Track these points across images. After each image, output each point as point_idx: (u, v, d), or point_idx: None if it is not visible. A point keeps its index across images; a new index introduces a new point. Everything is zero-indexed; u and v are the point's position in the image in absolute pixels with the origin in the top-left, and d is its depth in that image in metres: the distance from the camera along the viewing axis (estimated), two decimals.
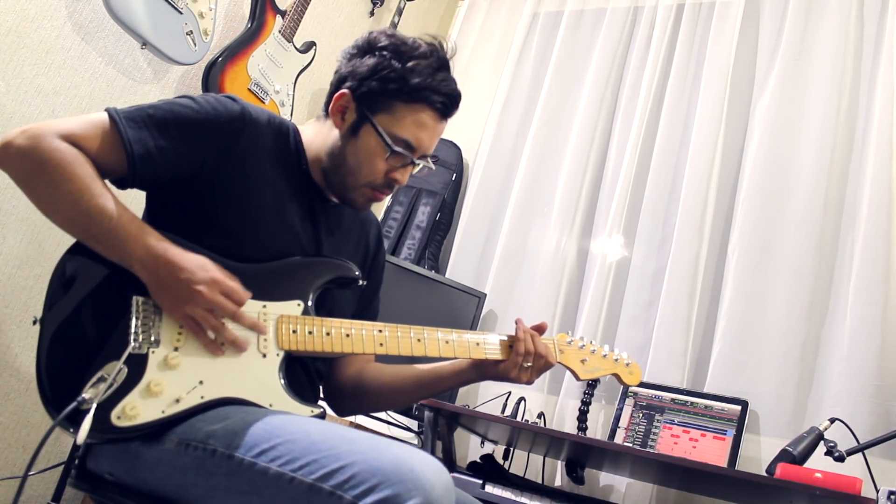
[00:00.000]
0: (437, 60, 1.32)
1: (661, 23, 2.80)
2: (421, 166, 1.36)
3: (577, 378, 1.47)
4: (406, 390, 1.45)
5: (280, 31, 2.40)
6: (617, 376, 1.50)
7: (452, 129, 3.10)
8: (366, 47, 1.34)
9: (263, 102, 2.35)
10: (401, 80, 1.29)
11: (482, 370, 1.41)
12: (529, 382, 1.41)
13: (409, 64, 1.29)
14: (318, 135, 1.37)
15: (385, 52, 1.31)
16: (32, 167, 1.13)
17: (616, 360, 1.49)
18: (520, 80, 3.06)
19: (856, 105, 2.38)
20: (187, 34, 2.12)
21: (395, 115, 1.30)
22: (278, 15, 2.40)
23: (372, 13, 3.01)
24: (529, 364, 1.38)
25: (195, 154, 1.23)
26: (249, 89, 2.31)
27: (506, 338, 1.41)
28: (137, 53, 2.13)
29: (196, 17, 2.14)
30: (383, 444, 1.01)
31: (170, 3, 2.06)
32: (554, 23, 3.09)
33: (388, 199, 3.00)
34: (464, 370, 1.42)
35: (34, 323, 1.13)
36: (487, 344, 1.39)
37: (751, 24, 2.65)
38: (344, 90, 1.32)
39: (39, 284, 1.93)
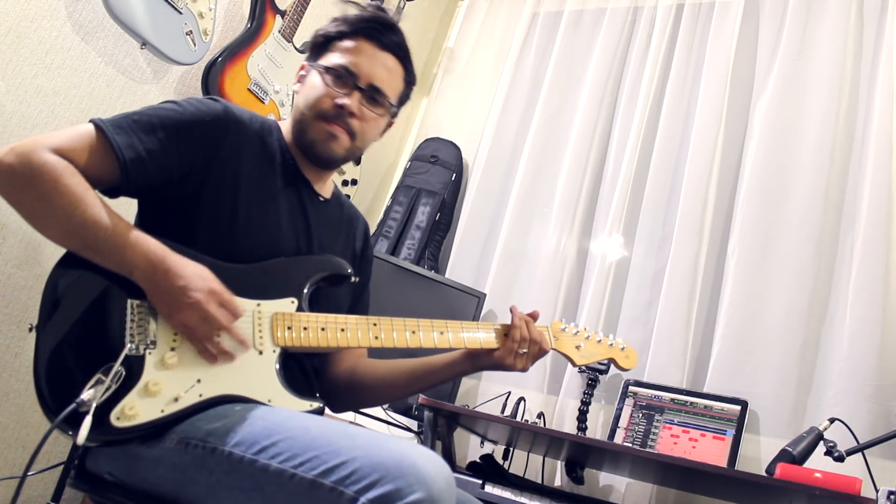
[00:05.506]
0: (370, 8, 1.47)
1: (660, 23, 2.80)
2: (383, 108, 1.40)
3: (573, 364, 1.50)
4: (400, 384, 1.46)
5: (280, 31, 2.40)
6: (613, 360, 1.53)
7: (452, 129, 3.13)
8: None
9: (263, 102, 2.35)
10: (334, 26, 1.42)
11: (477, 360, 1.43)
12: (524, 369, 1.43)
13: (345, 14, 1.42)
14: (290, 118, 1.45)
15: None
16: (23, 183, 1.13)
17: (611, 345, 1.52)
18: (519, 80, 3.06)
19: (856, 105, 2.38)
20: (187, 34, 2.12)
21: (331, 52, 1.40)
22: (278, 15, 2.40)
23: None
24: (525, 351, 1.41)
25: (184, 155, 1.25)
26: (249, 89, 2.31)
27: (500, 326, 1.43)
28: (137, 53, 2.13)
29: (196, 17, 2.14)
30: (384, 439, 1.02)
31: (169, 3, 2.06)
32: (554, 23, 3.09)
33: (388, 199, 3.00)
34: (457, 361, 1.44)
35: (30, 330, 1.13)
36: (481, 332, 1.41)
37: (750, 24, 2.65)
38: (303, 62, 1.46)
39: (39, 284, 1.91)
